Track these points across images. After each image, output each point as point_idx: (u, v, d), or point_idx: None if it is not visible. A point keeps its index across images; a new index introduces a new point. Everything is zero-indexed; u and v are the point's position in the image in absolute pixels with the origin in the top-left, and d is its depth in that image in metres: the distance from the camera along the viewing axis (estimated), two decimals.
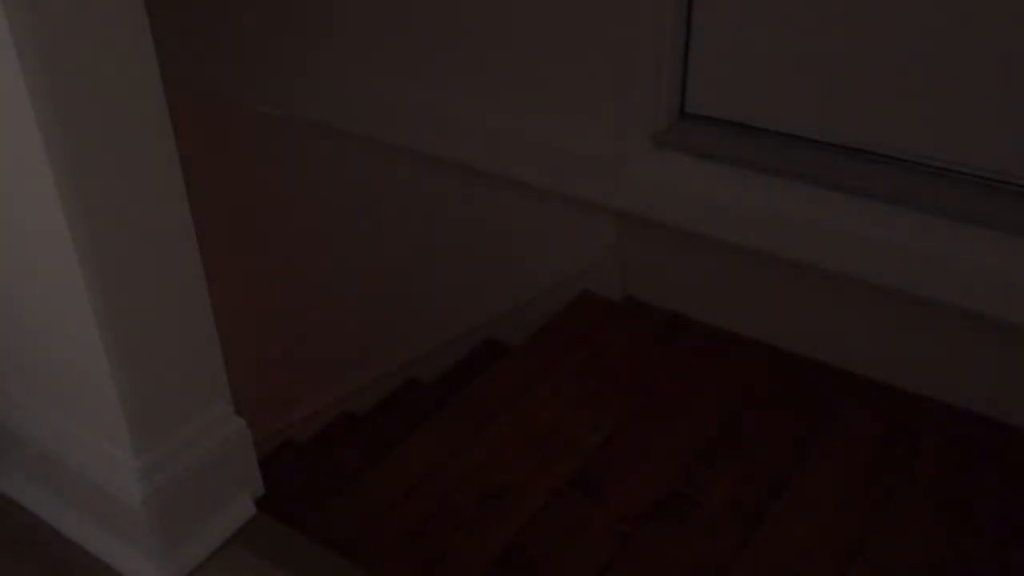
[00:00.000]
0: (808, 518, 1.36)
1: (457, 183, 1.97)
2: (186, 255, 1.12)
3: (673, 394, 1.62)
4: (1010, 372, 1.49)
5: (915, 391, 1.59)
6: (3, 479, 1.36)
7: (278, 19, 2.12)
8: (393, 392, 2.23)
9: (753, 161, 1.57)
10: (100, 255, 1.01)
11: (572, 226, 1.85)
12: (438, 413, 1.62)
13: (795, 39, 1.51)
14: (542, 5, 1.70)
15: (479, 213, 1.98)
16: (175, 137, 1.05)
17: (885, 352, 1.60)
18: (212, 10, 2.23)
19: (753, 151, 1.58)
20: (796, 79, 1.54)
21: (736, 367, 1.68)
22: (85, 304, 1.02)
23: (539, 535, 1.35)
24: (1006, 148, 1.41)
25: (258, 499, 1.32)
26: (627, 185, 1.71)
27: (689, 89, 1.66)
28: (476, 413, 1.60)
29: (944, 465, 1.45)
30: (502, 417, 1.59)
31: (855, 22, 1.45)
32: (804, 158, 1.55)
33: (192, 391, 1.19)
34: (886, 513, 1.36)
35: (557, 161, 1.79)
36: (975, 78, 1.39)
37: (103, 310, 1.03)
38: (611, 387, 1.64)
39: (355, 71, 2.05)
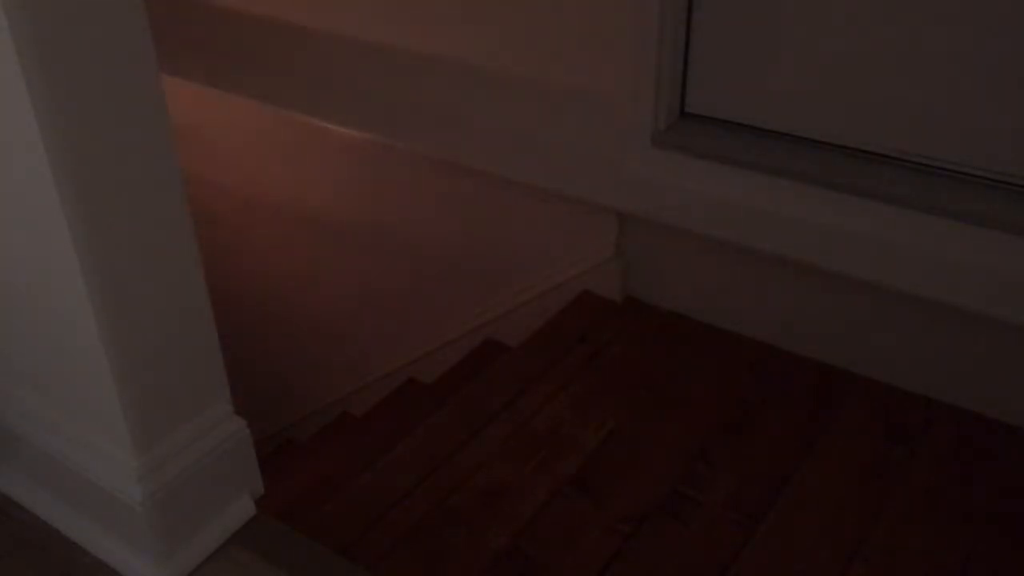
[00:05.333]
0: (808, 518, 1.36)
1: (457, 183, 1.97)
2: (186, 254, 1.12)
3: (673, 394, 1.62)
4: (1010, 372, 1.49)
5: (915, 391, 1.58)
6: (3, 479, 1.36)
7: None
8: (393, 392, 2.23)
9: (753, 161, 1.57)
10: (100, 255, 1.01)
11: (572, 226, 1.85)
12: (438, 413, 1.62)
13: (795, 39, 1.51)
14: (542, 5, 1.71)
15: (479, 213, 1.98)
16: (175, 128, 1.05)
17: (885, 352, 1.60)
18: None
19: (753, 151, 1.58)
20: (796, 79, 1.54)
21: (736, 367, 1.68)
22: (86, 304, 1.02)
23: (539, 535, 1.35)
24: (1006, 148, 1.41)
25: (258, 499, 1.32)
26: (627, 185, 1.71)
27: (689, 89, 1.66)
28: (476, 413, 1.60)
29: (944, 465, 1.45)
30: (502, 417, 1.59)
31: (855, 22, 1.45)
32: (804, 158, 1.55)
33: (192, 391, 1.19)
34: (886, 513, 1.36)
35: (557, 161, 1.79)
36: (975, 78, 1.39)
37: (103, 310, 1.03)
38: (611, 387, 1.64)
39: (346, 67, 2.05)
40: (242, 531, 1.27)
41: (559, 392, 1.64)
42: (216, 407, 1.23)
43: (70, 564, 1.26)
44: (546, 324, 1.84)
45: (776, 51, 1.54)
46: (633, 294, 1.87)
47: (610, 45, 1.64)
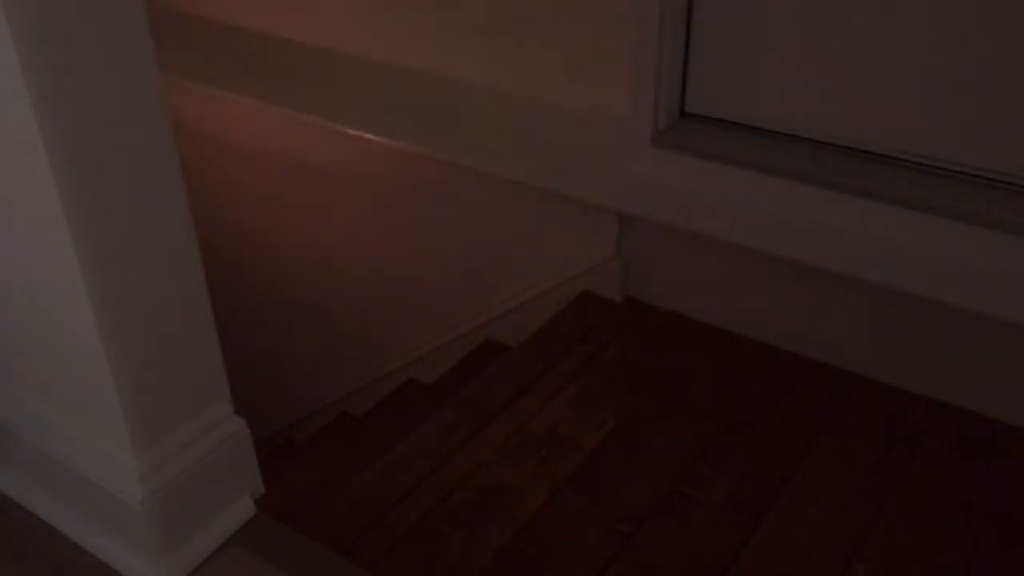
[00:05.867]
0: (808, 518, 1.36)
1: (457, 182, 1.97)
2: (186, 254, 1.12)
3: (673, 394, 1.62)
4: (1010, 372, 1.49)
5: (915, 391, 1.58)
6: (3, 479, 1.36)
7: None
8: (393, 392, 2.23)
9: (753, 161, 1.57)
10: (100, 254, 1.01)
11: (572, 226, 1.85)
12: (438, 413, 1.62)
13: (795, 39, 1.51)
14: (542, 6, 1.71)
15: (479, 213, 1.98)
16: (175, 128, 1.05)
17: (885, 352, 1.60)
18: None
19: (753, 151, 1.58)
20: (796, 79, 1.54)
21: (736, 367, 1.68)
22: (85, 304, 1.02)
23: (539, 535, 1.35)
24: (1006, 148, 1.41)
25: (258, 499, 1.32)
26: (627, 185, 1.71)
27: (689, 89, 1.66)
28: (476, 413, 1.60)
29: (944, 465, 1.45)
30: (502, 417, 1.58)
31: (855, 22, 1.45)
32: (804, 158, 1.55)
33: (192, 391, 1.19)
34: (886, 513, 1.36)
35: (557, 161, 1.79)
36: (975, 78, 1.39)
37: (103, 310, 1.03)
38: (611, 387, 1.64)
39: (357, 81, 2.05)
40: (242, 531, 1.27)
41: (559, 392, 1.64)
42: (216, 407, 1.23)
43: (70, 564, 1.26)
44: (546, 324, 1.84)
45: (776, 51, 1.54)
46: (633, 294, 1.87)
47: (610, 45, 1.64)
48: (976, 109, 1.41)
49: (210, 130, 2.37)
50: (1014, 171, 1.41)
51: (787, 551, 1.31)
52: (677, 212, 1.66)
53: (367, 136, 2.03)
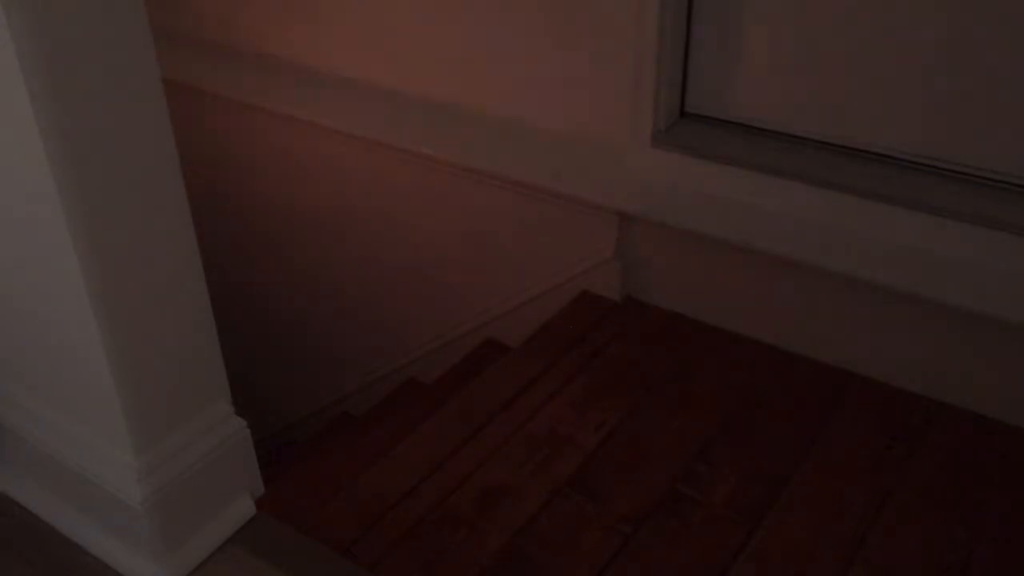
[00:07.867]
0: (808, 518, 1.36)
1: (457, 182, 1.97)
2: (186, 255, 1.12)
3: (673, 394, 1.62)
4: (1010, 372, 1.49)
5: (915, 391, 1.59)
6: (3, 479, 1.36)
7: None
8: (393, 392, 2.23)
9: (753, 161, 1.57)
10: (100, 255, 1.01)
11: (572, 226, 1.85)
12: (438, 413, 1.62)
13: (795, 39, 1.51)
14: (542, 5, 1.71)
15: (479, 213, 1.98)
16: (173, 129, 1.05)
17: (885, 352, 1.60)
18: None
19: (753, 151, 1.58)
20: (796, 79, 1.54)
21: (736, 367, 1.68)
22: (85, 304, 1.02)
23: (539, 535, 1.35)
24: (1006, 148, 1.41)
25: (258, 499, 1.32)
26: (627, 185, 1.71)
27: (689, 89, 1.66)
28: (476, 413, 1.60)
29: (944, 465, 1.45)
30: (502, 417, 1.59)
31: (854, 22, 1.45)
32: (804, 158, 1.55)
33: (192, 391, 1.19)
34: (886, 513, 1.36)
35: (557, 161, 1.79)
36: (975, 78, 1.39)
37: (103, 310, 1.03)
38: (611, 387, 1.64)
39: (341, 67, 2.05)
40: (242, 531, 1.28)
41: (559, 392, 1.64)
42: (216, 407, 1.23)
43: (70, 564, 1.26)
44: (546, 324, 1.84)
45: (776, 51, 1.54)
46: (633, 294, 1.87)
47: (610, 45, 1.64)
48: (976, 109, 1.41)
49: (228, 135, 2.37)
50: (1014, 171, 1.41)
51: (787, 551, 1.31)
52: (677, 212, 1.66)
53: (366, 136, 2.03)
